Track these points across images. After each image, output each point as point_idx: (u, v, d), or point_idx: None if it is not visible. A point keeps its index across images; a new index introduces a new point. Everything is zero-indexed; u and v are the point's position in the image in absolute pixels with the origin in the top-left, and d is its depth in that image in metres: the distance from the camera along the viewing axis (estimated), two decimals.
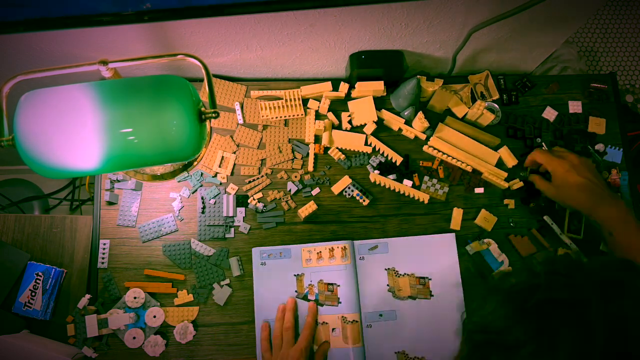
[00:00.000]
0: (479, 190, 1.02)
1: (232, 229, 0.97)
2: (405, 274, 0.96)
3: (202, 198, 0.98)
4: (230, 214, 0.97)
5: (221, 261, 0.95)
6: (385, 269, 0.96)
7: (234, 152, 1.01)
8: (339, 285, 0.93)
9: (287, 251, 0.95)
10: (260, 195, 0.99)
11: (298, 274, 0.94)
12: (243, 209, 0.98)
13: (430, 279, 0.95)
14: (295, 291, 0.93)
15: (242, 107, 1.03)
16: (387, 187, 1.01)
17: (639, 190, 1.06)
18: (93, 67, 0.66)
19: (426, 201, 1.00)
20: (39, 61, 0.86)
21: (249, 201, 0.98)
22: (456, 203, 1.01)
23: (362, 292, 0.94)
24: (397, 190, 1.00)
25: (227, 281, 0.95)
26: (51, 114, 0.58)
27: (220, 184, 0.99)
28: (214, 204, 0.98)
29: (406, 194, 1.01)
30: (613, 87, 1.10)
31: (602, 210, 0.86)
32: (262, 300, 0.93)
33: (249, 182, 1.00)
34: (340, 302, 0.92)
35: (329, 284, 0.93)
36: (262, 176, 1.00)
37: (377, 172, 1.01)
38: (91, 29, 0.79)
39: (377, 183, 1.01)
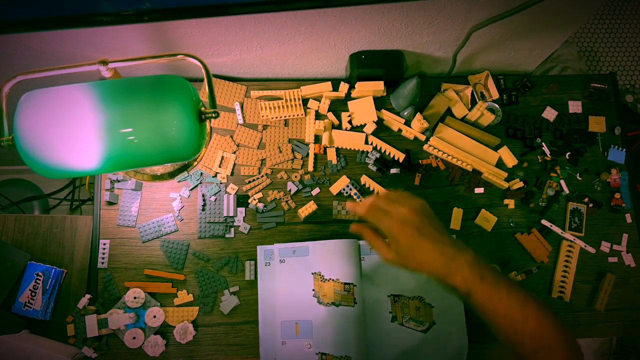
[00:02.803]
0: (479, 190, 1.02)
1: (232, 229, 0.97)
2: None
3: (203, 195, 0.98)
4: (231, 214, 0.97)
5: (234, 265, 0.95)
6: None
7: (234, 152, 1.01)
8: (355, 285, 0.91)
9: (305, 249, 0.94)
10: (260, 195, 0.99)
11: (315, 272, 0.93)
12: (243, 209, 0.98)
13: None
14: (312, 289, 0.92)
15: (242, 107, 1.03)
16: (376, 192, 1.01)
17: (639, 190, 1.06)
18: (93, 67, 0.66)
19: None
20: (39, 61, 0.86)
21: (249, 201, 0.98)
22: (456, 203, 1.01)
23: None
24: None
25: (237, 288, 0.94)
26: (51, 114, 0.58)
27: (221, 183, 0.99)
28: (215, 201, 0.98)
29: None
30: (613, 87, 1.10)
31: (456, 273, 0.67)
32: (279, 300, 0.92)
33: (249, 182, 1.00)
34: (356, 303, 0.91)
35: (345, 283, 0.91)
36: (262, 176, 1.00)
37: (375, 168, 1.01)
38: (91, 29, 0.79)
39: (367, 186, 1.01)
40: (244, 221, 0.98)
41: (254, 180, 1.00)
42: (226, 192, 0.99)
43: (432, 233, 0.70)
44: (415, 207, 0.71)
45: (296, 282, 0.92)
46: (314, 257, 0.93)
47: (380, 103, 1.05)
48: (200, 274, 0.94)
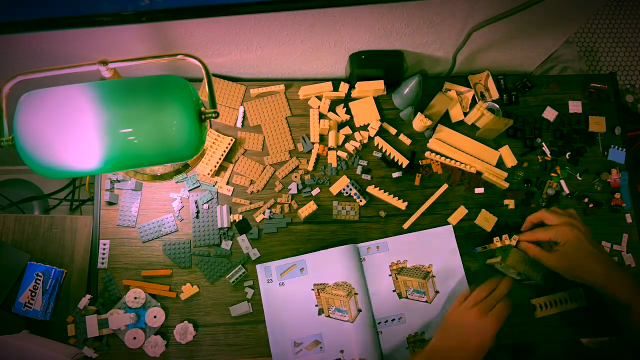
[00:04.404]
0: (479, 190, 1.02)
1: (230, 242, 0.96)
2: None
3: (196, 202, 0.97)
4: (225, 225, 0.95)
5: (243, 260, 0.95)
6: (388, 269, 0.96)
7: (233, 162, 1.00)
8: (357, 294, 0.91)
9: (302, 261, 0.93)
10: (262, 217, 0.97)
11: (315, 285, 0.92)
12: (244, 236, 0.96)
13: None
14: (316, 305, 0.92)
15: (244, 113, 1.02)
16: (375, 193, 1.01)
17: (639, 190, 1.06)
18: (93, 67, 0.66)
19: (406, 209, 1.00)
20: (39, 61, 0.86)
21: (254, 216, 0.97)
22: (456, 203, 1.01)
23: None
24: (382, 198, 1.00)
25: (250, 282, 0.94)
26: (51, 114, 0.58)
27: (215, 184, 0.98)
28: (207, 209, 0.97)
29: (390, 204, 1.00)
30: (613, 87, 1.10)
31: (617, 282, 0.80)
32: (287, 319, 0.91)
33: (251, 202, 0.98)
34: (360, 311, 0.91)
35: (348, 292, 0.91)
36: (263, 201, 0.98)
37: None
38: (91, 29, 0.79)
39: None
40: (252, 248, 0.96)
41: (255, 202, 0.98)
42: (219, 204, 0.97)
43: (595, 243, 0.84)
44: (580, 221, 0.86)
45: (299, 300, 0.92)
46: (312, 270, 0.93)
47: (380, 102, 1.05)
48: (202, 263, 0.95)
